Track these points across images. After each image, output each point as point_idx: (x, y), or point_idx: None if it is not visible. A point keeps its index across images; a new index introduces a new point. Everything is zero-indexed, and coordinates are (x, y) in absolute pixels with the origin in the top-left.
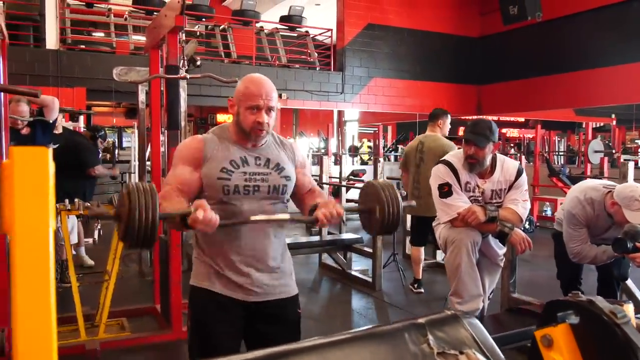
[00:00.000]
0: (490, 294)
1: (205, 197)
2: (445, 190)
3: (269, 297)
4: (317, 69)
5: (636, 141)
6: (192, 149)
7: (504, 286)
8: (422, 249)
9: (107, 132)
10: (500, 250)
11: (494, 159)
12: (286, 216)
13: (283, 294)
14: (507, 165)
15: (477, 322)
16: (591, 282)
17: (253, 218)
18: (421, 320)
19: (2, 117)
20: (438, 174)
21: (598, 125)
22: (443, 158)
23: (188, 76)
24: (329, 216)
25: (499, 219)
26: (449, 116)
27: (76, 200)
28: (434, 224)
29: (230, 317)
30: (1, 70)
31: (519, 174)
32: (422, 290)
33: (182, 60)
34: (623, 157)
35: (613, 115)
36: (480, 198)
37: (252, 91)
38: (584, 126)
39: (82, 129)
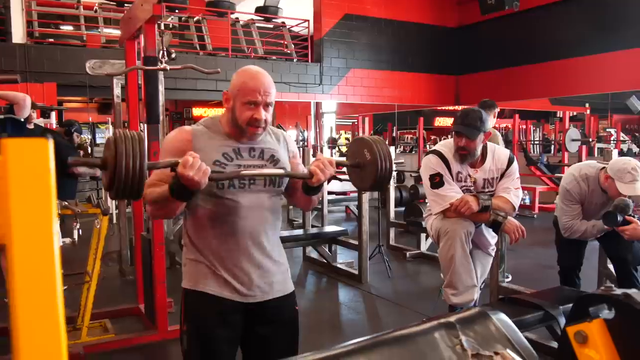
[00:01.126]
0: (482, 284)
1: (198, 196)
2: (437, 181)
3: (268, 296)
4: (295, 60)
5: (607, 130)
6: (180, 141)
7: (494, 275)
8: None
9: (80, 125)
10: (492, 239)
11: (484, 148)
12: (280, 170)
13: (280, 292)
14: (498, 153)
15: (506, 318)
16: (588, 271)
17: (246, 172)
18: (451, 319)
19: None
20: (429, 165)
21: (572, 115)
22: (433, 148)
23: (168, 67)
24: (321, 166)
25: (492, 208)
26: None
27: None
28: (424, 214)
29: (229, 322)
30: None
31: (510, 161)
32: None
33: (161, 51)
34: (598, 145)
35: (587, 105)
36: (472, 187)
37: (250, 86)
38: (558, 115)
39: (54, 126)
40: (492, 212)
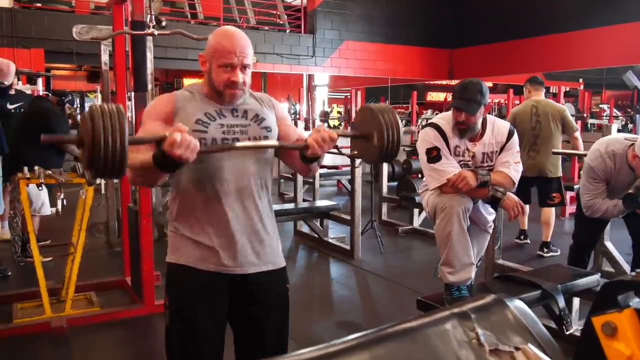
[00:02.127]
0: (479, 261)
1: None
2: (434, 155)
3: (255, 268)
4: (287, 31)
5: (600, 105)
6: (162, 104)
7: (489, 252)
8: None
9: (73, 96)
10: (490, 216)
11: (484, 121)
12: (274, 142)
13: (270, 265)
14: (498, 126)
15: (524, 306)
16: None
17: (239, 144)
18: (464, 309)
19: None
20: (426, 138)
21: (565, 90)
22: (431, 121)
23: (156, 32)
24: (320, 141)
25: (490, 184)
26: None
27: (36, 168)
28: (420, 190)
29: (214, 298)
30: None
31: (510, 134)
32: (528, 241)
33: (148, 16)
34: (590, 121)
35: (581, 80)
36: (470, 162)
37: (225, 46)
38: (552, 91)
39: (42, 93)
40: (491, 187)
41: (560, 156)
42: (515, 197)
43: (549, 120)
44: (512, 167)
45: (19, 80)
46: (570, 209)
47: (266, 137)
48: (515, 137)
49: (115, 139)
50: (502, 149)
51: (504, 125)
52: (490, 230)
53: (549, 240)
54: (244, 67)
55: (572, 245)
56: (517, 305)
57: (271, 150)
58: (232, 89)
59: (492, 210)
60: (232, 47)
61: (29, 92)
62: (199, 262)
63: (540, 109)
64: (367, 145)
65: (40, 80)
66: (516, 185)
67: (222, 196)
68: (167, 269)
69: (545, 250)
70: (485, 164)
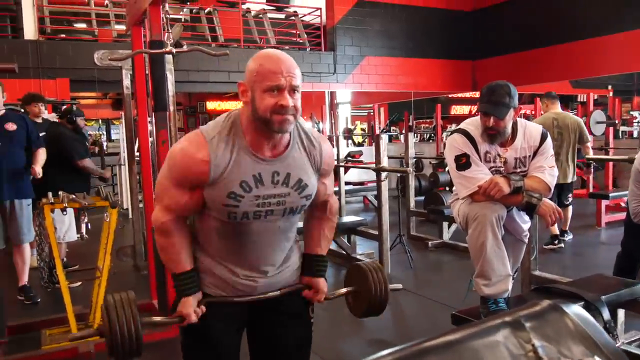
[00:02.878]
0: (515, 273)
1: (208, 210)
2: (463, 162)
3: (273, 292)
4: (308, 49)
5: (631, 112)
6: (194, 170)
7: (524, 263)
8: None
9: (78, 108)
10: (525, 224)
11: (514, 124)
12: (276, 293)
13: (289, 288)
14: (530, 129)
15: (585, 313)
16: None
17: (237, 300)
18: (517, 317)
19: None
20: (454, 145)
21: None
22: (458, 127)
23: (174, 50)
24: (310, 295)
25: (524, 189)
26: None
27: (60, 192)
28: (449, 200)
29: (232, 314)
30: None
31: (543, 138)
32: (562, 245)
33: (166, 34)
34: (622, 128)
35: (610, 87)
36: (502, 168)
37: (270, 68)
38: (579, 99)
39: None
40: (525, 193)
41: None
42: (552, 203)
43: (569, 131)
44: (547, 171)
45: (45, 109)
46: (606, 218)
47: (303, 206)
48: (549, 140)
49: (131, 330)
50: (535, 153)
51: (536, 129)
52: (526, 240)
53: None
54: (292, 90)
55: (620, 254)
56: (576, 311)
57: (307, 207)
58: (281, 114)
59: (527, 219)
60: (278, 68)
61: (54, 119)
62: (217, 289)
63: (560, 121)
64: (357, 299)
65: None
66: (552, 190)
67: (247, 248)
68: None
69: (556, 242)
70: (519, 170)
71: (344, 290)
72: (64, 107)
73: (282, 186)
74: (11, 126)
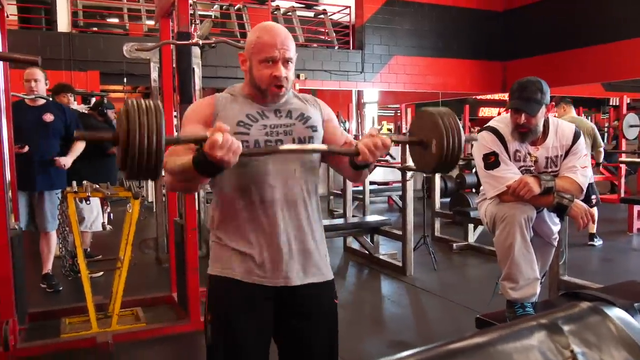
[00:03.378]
0: (543, 277)
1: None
2: (492, 161)
3: (302, 280)
4: (336, 47)
5: None
6: (202, 106)
7: (553, 268)
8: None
9: (109, 100)
10: (555, 227)
11: (546, 122)
12: (323, 146)
13: (317, 278)
14: (562, 128)
15: (627, 316)
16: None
17: (283, 147)
18: (554, 319)
19: (2, 92)
20: (483, 143)
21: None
22: (487, 124)
23: (200, 42)
24: (372, 147)
25: (555, 190)
26: None
27: (84, 182)
28: (477, 200)
29: (259, 313)
30: None
31: (576, 137)
32: (600, 242)
33: (193, 25)
34: None
35: None
36: (532, 168)
37: (266, 41)
38: (612, 103)
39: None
40: (556, 194)
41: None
42: (584, 205)
43: (585, 135)
44: (580, 172)
45: (74, 99)
46: (638, 224)
47: (311, 137)
48: (582, 139)
49: (152, 137)
50: (567, 152)
51: (569, 127)
52: (555, 243)
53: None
54: (286, 61)
55: None
56: (619, 315)
57: (317, 142)
58: (276, 85)
59: (557, 221)
60: (273, 41)
61: (85, 111)
62: (242, 274)
63: (577, 125)
64: (424, 153)
65: (94, 100)
66: (584, 192)
67: (268, 203)
68: (209, 281)
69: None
70: (549, 170)
71: (408, 137)
72: (95, 99)
73: (286, 118)
74: (49, 117)
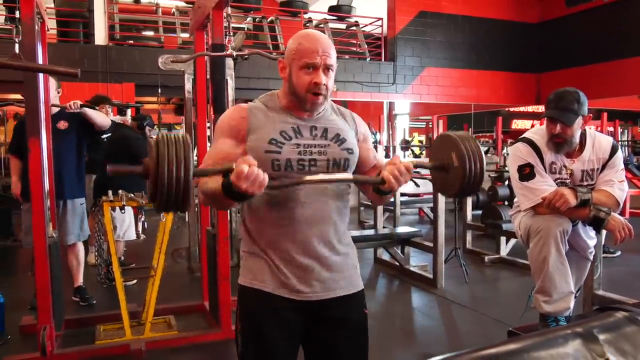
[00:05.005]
0: (578, 292)
1: None
2: (527, 173)
3: (332, 293)
4: (368, 59)
5: None
6: (234, 119)
7: (587, 282)
8: None
9: (153, 120)
10: (591, 241)
11: (583, 135)
12: (349, 175)
13: (346, 290)
14: (599, 141)
15: None
16: None
17: (309, 178)
18: (589, 327)
19: (42, 103)
20: (518, 154)
21: None
22: (523, 136)
23: (235, 53)
24: (396, 174)
25: (592, 203)
26: None
27: (120, 191)
28: (511, 212)
29: (287, 323)
30: (40, 53)
31: (613, 150)
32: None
33: (227, 37)
34: None
35: None
36: (568, 180)
37: (307, 47)
38: None
39: (128, 121)
40: (593, 207)
41: None
42: (621, 218)
43: None
44: (617, 186)
45: (111, 111)
46: None
47: (347, 160)
48: (620, 153)
49: (180, 169)
50: (604, 166)
51: (606, 140)
52: (591, 257)
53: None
54: (327, 69)
55: None
56: None
57: (351, 171)
58: (315, 93)
59: (592, 235)
60: (315, 47)
61: (119, 121)
62: (272, 286)
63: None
64: (446, 178)
65: (129, 112)
66: (621, 206)
67: (298, 218)
68: (239, 291)
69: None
70: (585, 183)
71: (430, 163)
72: (130, 111)
73: (321, 138)
74: (63, 124)
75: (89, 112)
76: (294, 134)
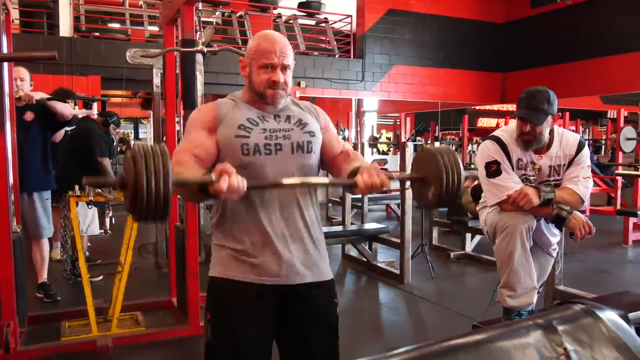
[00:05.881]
0: (540, 287)
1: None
2: (494, 170)
3: (302, 279)
4: (337, 56)
5: None
6: (205, 112)
7: (549, 278)
8: None
9: (119, 118)
10: (554, 237)
11: (551, 132)
12: (324, 180)
13: (317, 276)
14: (567, 137)
15: (618, 319)
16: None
17: (285, 181)
18: (549, 319)
19: (7, 95)
20: (485, 152)
21: (624, 115)
22: (491, 134)
23: (205, 49)
24: (369, 184)
25: (555, 201)
26: None
27: (87, 186)
28: (478, 207)
29: (260, 313)
30: (5, 44)
31: (580, 147)
32: None
33: (197, 33)
34: None
35: None
36: (533, 177)
37: (265, 47)
38: (609, 116)
39: (94, 116)
40: (556, 205)
41: None
42: (583, 217)
43: None
44: (581, 182)
45: (75, 104)
46: (634, 236)
47: (310, 142)
48: (586, 150)
49: (159, 181)
50: (570, 162)
51: (574, 137)
52: (554, 254)
53: None
54: (284, 68)
55: None
56: (610, 317)
57: (316, 155)
58: (274, 89)
59: (556, 232)
60: (272, 47)
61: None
62: (242, 274)
63: None
64: (425, 189)
65: (95, 105)
66: (585, 202)
67: (266, 204)
68: (209, 283)
69: None
70: (552, 178)
71: (408, 174)
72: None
73: (285, 123)
74: (29, 115)
75: (50, 102)
76: (260, 120)
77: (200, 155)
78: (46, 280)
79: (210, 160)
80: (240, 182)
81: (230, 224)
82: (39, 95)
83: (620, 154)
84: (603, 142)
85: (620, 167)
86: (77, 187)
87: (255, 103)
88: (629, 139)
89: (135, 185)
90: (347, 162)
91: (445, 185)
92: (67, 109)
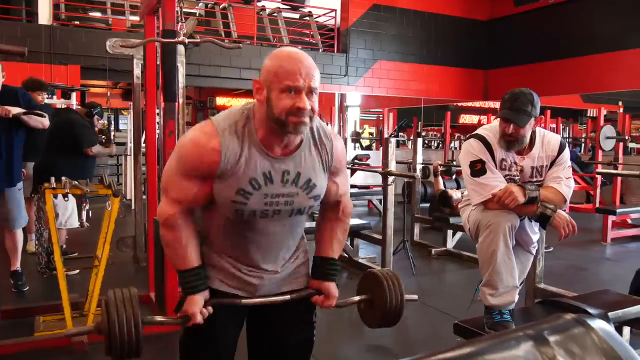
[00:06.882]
0: (521, 284)
1: (213, 206)
2: (478, 168)
3: (278, 290)
4: (320, 50)
5: None
6: (204, 153)
7: (530, 276)
8: None
9: (102, 109)
10: (534, 235)
11: (533, 133)
12: (286, 297)
13: (293, 286)
14: (548, 139)
15: (610, 328)
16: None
17: (245, 302)
18: (540, 330)
19: None
20: (470, 150)
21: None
22: (475, 132)
23: (187, 40)
24: (320, 302)
25: (539, 200)
26: None
27: (63, 178)
28: (460, 205)
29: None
30: None
31: (561, 148)
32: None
33: (179, 23)
34: (630, 145)
35: (620, 103)
36: (517, 178)
37: (288, 69)
38: (589, 114)
39: (75, 106)
40: (540, 204)
41: None
42: (566, 215)
43: None
44: (564, 182)
45: (53, 94)
46: (612, 234)
47: (311, 207)
48: (567, 151)
49: (130, 330)
50: (552, 163)
51: (555, 138)
52: (534, 252)
53: None
54: (310, 91)
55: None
56: (601, 327)
57: (315, 207)
58: (298, 116)
59: (537, 230)
60: (297, 68)
61: (64, 106)
62: (217, 283)
63: None
64: (370, 309)
65: (74, 95)
66: (568, 202)
67: (252, 246)
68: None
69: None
70: (534, 179)
71: (357, 298)
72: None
73: (292, 185)
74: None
75: (24, 116)
76: (264, 181)
77: (192, 205)
78: (19, 268)
79: (203, 205)
80: (205, 312)
81: (210, 236)
82: (16, 110)
83: (600, 153)
84: (583, 140)
85: (600, 166)
86: (52, 179)
87: (269, 144)
88: (608, 138)
89: (108, 332)
90: (329, 230)
91: (389, 303)
92: (41, 122)
